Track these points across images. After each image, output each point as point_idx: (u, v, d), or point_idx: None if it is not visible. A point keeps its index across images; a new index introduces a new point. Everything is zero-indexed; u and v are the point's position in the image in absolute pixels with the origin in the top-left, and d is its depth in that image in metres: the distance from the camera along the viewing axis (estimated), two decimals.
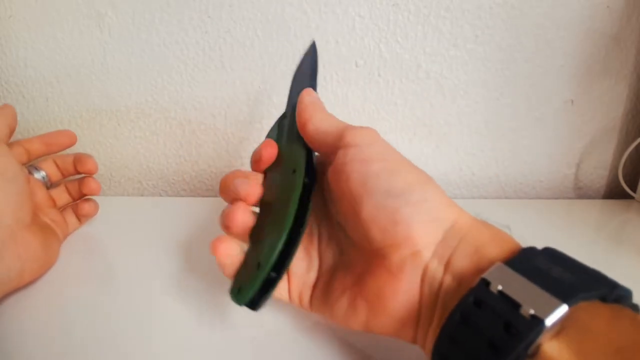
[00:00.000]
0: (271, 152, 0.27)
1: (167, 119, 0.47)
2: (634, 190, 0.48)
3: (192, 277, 0.32)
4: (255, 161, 0.27)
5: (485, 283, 0.17)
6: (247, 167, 0.49)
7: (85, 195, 0.38)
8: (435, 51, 0.44)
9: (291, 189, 0.24)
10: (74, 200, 0.38)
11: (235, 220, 0.25)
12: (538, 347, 0.15)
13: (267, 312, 0.28)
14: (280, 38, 0.44)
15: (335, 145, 0.24)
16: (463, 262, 0.19)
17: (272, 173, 0.27)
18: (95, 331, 0.27)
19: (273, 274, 0.22)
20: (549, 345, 0.15)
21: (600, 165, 0.51)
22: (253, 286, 0.22)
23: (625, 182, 0.48)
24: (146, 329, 0.27)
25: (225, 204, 0.27)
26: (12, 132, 0.33)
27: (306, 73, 0.31)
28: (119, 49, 0.44)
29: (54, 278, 0.32)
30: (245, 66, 0.45)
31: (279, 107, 0.46)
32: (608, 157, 0.50)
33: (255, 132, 0.47)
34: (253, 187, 0.26)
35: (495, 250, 0.19)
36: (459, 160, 0.49)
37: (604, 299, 0.16)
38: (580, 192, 0.52)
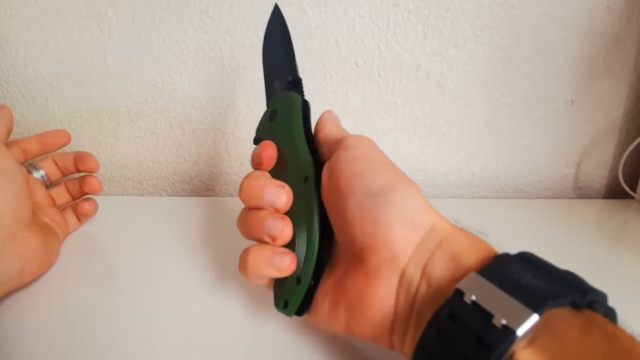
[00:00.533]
0: (271, 154, 0.27)
1: (167, 119, 0.47)
2: (634, 190, 0.48)
3: (192, 276, 0.32)
4: (257, 163, 0.27)
5: (460, 293, 0.17)
6: (247, 167, 0.49)
7: (87, 193, 0.38)
8: (435, 51, 0.44)
9: (309, 199, 0.24)
10: (74, 199, 0.38)
11: (285, 235, 0.24)
12: (512, 356, 0.15)
13: (267, 313, 0.28)
14: None
15: (333, 147, 0.25)
16: (439, 270, 0.20)
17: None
18: (95, 331, 0.27)
19: (312, 283, 0.24)
20: (522, 354, 0.15)
21: (600, 165, 0.51)
22: (298, 300, 0.24)
23: (625, 182, 0.48)
24: (146, 329, 0.27)
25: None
26: (9, 132, 0.33)
27: (279, 49, 0.29)
28: (119, 49, 0.44)
29: (54, 278, 0.32)
30: (245, 66, 0.45)
31: None
32: (608, 157, 0.50)
33: (255, 132, 0.47)
34: (289, 198, 0.25)
35: (471, 258, 0.19)
36: (459, 160, 0.49)
37: (576, 305, 0.17)
38: (580, 192, 0.52)
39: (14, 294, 0.29)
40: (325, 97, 0.46)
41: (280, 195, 0.24)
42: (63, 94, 0.46)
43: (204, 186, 0.50)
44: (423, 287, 0.20)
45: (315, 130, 0.27)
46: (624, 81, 0.47)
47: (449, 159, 0.49)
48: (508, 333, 0.15)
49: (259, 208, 0.25)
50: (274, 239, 0.24)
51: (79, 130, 0.47)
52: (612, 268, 0.35)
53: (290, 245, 0.25)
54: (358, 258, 0.22)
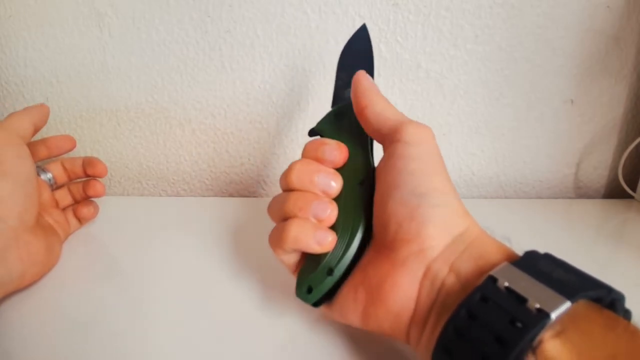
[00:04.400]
0: (344, 159, 0.26)
1: (167, 119, 0.47)
2: (634, 190, 0.48)
3: (193, 276, 0.33)
4: (329, 160, 0.26)
5: (492, 280, 0.18)
6: (246, 167, 0.49)
7: (90, 197, 0.38)
8: (435, 51, 0.44)
9: (361, 201, 0.25)
10: (76, 202, 0.38)
11: (330, 218, 0.24)
12: (539, 343, 0.16)
13: (270, 310, 0.28)
14: (280, 38, 0.44)
15: (390, 136, 0.24)
16: (467, 265, 0.20)
17: None
18: (94, 330, 0.27)
19: (340, 280, 0.24)
20: (550, 343, 0.16)
21: (600, 165, 0.51)
22: (324, 289, 0.24)
23: (625, 181, 0.48)
24: (146, 329, 0.27)
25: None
26: (36, 131, 0.33)
27: (359, 60, 0.30)
28: (119, 49, 0.44)
29: (55, 278, 0.32)
30: (245, 66, 0.45)
31: (279, 107, 0.46)
32: (608, 157, 0.50)
33: (255, 132, 0.47)
34: (340, 185, 0.25)
35: (498, 257, 0.20)
36: (459, 160, 0.49)
37: (600, 300, 0.17)
38: (580, 192, 0.52)
39: (15, 294, 0.29)
40: (325, 97, 0.46)
41: (333, 180, 0.25)
42: (63, 94, 0.46)
43: (204, 186, 0.50)
44: (450, 280, 0.20)
45: (357, 105, 0.26)
46: (624, 81, 0.47)
47: (449, 159, 0.49)
48: (543, 316, 0.16)
49: (308, 191, 0.25)
50: (319, 220, 0.24)
51: (79, 130, 0.47)
52: (612, 268, 0.35)
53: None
54: (387, 248, 0.22)
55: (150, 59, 0.44)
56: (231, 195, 0.50)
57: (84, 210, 0.37)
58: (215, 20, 0.43)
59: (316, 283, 0.24)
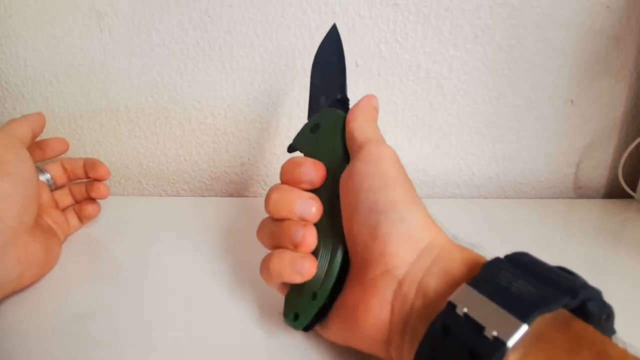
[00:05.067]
0: (322, 178, 0.26)
1: (167, 119, 0.47)
2: (634, 190, 0.48)
3: (193, 276, 0.33)
4: (306, 181, 0.25)
5: (452, 306, 0.18)
6: (246, 167, 0.49)
7: (92, 199, 0.38)
8: (435, 51, 0.44)
9: (340, 216, 0.24)
10: (77, 202, 0.38)
11: (307, 243, 0.24)
12: None
13: (270, 310, 0.28)
14: (280, 38, 0.44)
15: (352, 154, 0.24)
16: (433, 284, 0.20)
17: None
18: (94, 330, 0.27)
19: (327, 302, 0.23)
20: None
21: (600, 165, 0.51)
22: (310, 315, 0.24)
23: (625, 181, 0.48)
24: (146, 328, 0.27)
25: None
26: (34, 137, 0.33)
27: (331, 63, 0.29)
28: (119, 49, 0.44)
29: (54, 278, 0.32)
30: (245, 66, 0.45)
31: (279, 107, 0.46)
32: (608, 157, 0.50)
33: (255, 132, 0.47)
34: (319, 210, 0.25)
35: (463, 271, 0.20)
36: (459, 160, 0.49)
37: (567, 306, 0.17)
38: (580, 192, 0.52)
39: (15, 294, 0.29)
40: None
41: (312, 206, 0.24)
42: (63, 94, 0.46)
43: (204, 186, 0.50)
44: (418, 302, 0.20)
45: (348, 116, 0.26)
46: (624, 81, 0.47)
47: (449, 159, 0.49)
48: (499, 345, 0.16)
49: (287, 219, 0.25)
50: (296, 246, 0.24)
51: (79, 130, 0.47)
52: (612, 268, 0.35)
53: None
54: (358, 269, 0.22)
55: (150, 59, 0.44)
56: (231, 195, 0.50)
57: (89, 209, 0.37)
58: (215, 20, 0.43)
59: (302, 309, 0.24)
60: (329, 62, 0.31)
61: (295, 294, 0.25)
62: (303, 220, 0.24)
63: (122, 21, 0.43)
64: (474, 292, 0.18)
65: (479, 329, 0.16)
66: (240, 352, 0.26)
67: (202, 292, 0.31)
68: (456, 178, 0.50)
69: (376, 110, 0.27)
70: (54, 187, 0.37)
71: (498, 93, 0.46)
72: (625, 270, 0.35)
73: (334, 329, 0.23)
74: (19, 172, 0.29)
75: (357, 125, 0.25)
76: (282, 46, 0.44)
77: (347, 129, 0.26)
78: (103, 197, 0.38)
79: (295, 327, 0.24)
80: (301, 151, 0.28)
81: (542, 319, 0.16)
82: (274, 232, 0.25)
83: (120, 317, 0.28)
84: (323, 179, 0.25)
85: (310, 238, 0.24)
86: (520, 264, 0.19)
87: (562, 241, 0.39)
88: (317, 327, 0.25)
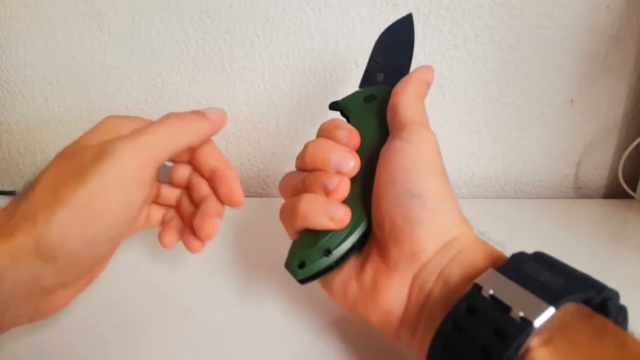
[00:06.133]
0: (354, 148, 0.25)
1: None
2: (634, 190, 0.48)
3: (193, 276, 0.33)
4: (345, 139, 0.25)
5: (478, 288, 0.18)
6: (246, 167, 0.49)
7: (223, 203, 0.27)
8: (435, 51, 0.44)
9: (370, 189, 0.23)
10: (182, 218, 0.29)
11: (341, 191, 0.23)
12: (527, 351, 0.16)
13: (271, 309, 0.28)
14: (280, 38, 0.44)
15: (394, 131, 0.24)
16: (456, 272, 0.20)
17: None
18: (94, 330, 0.27)
19: (336, 263, 0.23)
20: (538, 352, 0.16)
21: (600, 165, 0.51)
22: (317, 268, 0.23)
23: (625, 181, 0.48)
24: (147, 328, 0.27)
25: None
26: (182, 150, 0.24)
27: (399, 48, 0.29)
28: (119, 49, 0.44)
29: None
30: (245, 66, 0.45)
31: (279, 107, 0.46)
32: (608, 157, 0.50)
33: (255, 132, 0.47)
34: (357, 164, 0.24)
35: (487, 263, 0.20)
36: (459, 160, 0.49)
37: (591, 301, 0.17)
38: (580, 192, 0.52)
39: None
40: (325, 96, 0.46)
41: (350, 160, 0.24)
42: (63, 94, 0.46)
43: None
44: (437, 289, 0.20)
45: (396, 87, 0.25)
46: (624, 81, 0.47)
47: (449, 159, 0.49)
48: (526, 325, 0.16)
49: (321, 170, 0.24)
50: (328, 193, 0.23)
51: (79, 131, 0.47)
52: (612, 268, 0.35)
53: None
54: (382, 247, 0.22)
55: (150, 59, 0.44)
56: None
57: (208, 226, 0.26)
58: (215, 20, 0.43)
59: (311, 260, 0.23)
60: (397, 46, 0.30)
61: (306, 243, 0.24)
62: (339, 172, 0.24)
63: (122, 21, 0.43)
64: (500, 277, 0.18)
65: (505, 309, 0.17)
66: (246, 349, 0.26)
67: (202, 291, 0.31)
68: (456, 178, 0.50)
69: (428, 84, 0.26)
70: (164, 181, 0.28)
71: (498, 93, 0.46)
72: (625, 270, 0.35)
73: (347, 294, 0.23)
74: (115, 222, 0.23)
75: (404, 101, 0.24)
76: (282, 46, 0.44)
77: (392, 100, 0.25)
78: (238, 205, 0.27)
79: (296, 276, 0.23)
80: (345, 114, 0.28)
81: (566, 310, 0.16)
82: (304, 179, 0.24)
83: (119, 317, 0.28)
84: (355, 148, 0.25)
85: (344, 187, 0.23)
86: (545, 260, 0.19)
87: (562, 241, 0.39)
88: (326, 289, 0.25)
